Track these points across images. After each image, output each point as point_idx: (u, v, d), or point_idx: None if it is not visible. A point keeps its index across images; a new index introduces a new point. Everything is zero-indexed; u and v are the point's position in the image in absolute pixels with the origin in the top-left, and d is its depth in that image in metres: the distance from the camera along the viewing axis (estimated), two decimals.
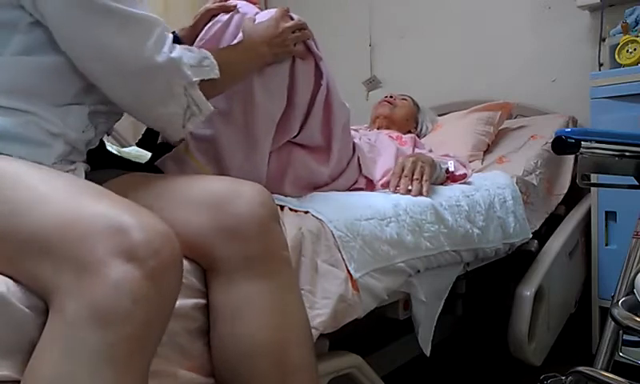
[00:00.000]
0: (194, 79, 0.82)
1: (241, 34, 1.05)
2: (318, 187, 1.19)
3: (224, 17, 1.12)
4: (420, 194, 1.20)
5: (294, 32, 1.05)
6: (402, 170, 1.24)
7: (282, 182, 1.12)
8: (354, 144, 1.28)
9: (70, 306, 0.55)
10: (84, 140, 0.82)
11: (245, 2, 1.15)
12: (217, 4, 1.14)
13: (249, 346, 0.71)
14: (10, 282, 0.59)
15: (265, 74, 1.03)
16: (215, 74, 0.86)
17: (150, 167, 1.05)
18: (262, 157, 1.04)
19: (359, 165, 1.29)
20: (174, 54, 0.79)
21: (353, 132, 1.47)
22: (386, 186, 1.24)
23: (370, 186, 1.31)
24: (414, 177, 1.22)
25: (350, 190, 1.27)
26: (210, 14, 1.14)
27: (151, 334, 0.58)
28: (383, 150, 1.47)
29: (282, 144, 1.10)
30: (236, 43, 1.03)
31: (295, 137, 1.11)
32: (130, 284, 0.56)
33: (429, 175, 1.24)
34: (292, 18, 1.07)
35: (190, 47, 0.87)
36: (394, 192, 1.21)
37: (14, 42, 0.74)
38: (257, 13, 1.11)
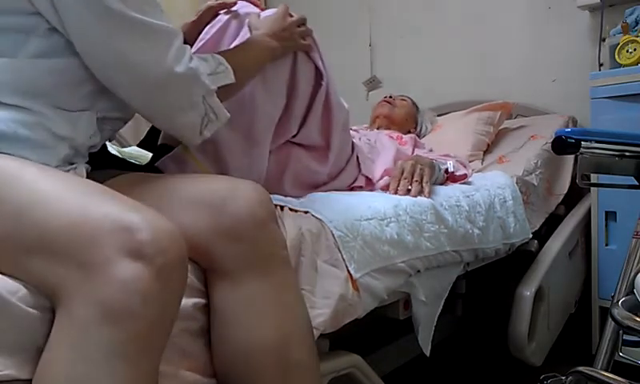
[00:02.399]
0: (212, 87, 0.83)
1: (245, 32, 1.07)
2: (317, 186, 1.19)
3: (224, 17, 1.13)
4: (420, 194, 1.20)
5: (299, 27, 1.06)
6: (402, 173, 1.25)
7: (281, 181, 1.13)
8: (352, 143, 1.29)
9: (78, 307, 0.55)
10: (89, 145, 0.82)
11: (246, 2, 1.16)
12: (218, 1, 1.14)
13: (249, 346, 0.71)
14: (11, 281, 0.59)
15: (266, 75, 1.03)
16: (230, 79, 0.87)
17: (149, 168, 1.05)
18: (261, 156, 1.05)
19: (358, 164, 1.30)
20: (192, 64, 0.80)
21: (353, 132, 1.47)
22: (385, 189, 1.24)
23: (369, 184, 1.32)
24: (414, 179, 1.23)
25: (350, 189, 1.28)
26: (212, 12, 1.15)
27: (159, 332, 0.59)
28: (382, 150, 1.47)
29: (281, 144, 1.12)
30: (245, 41, 1.03)
31: (294, 137, 1.12)
32: (139, 283, 0.56)
33: (428, 177, 1.24)
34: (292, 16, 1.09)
35: (204, 56, 0.87)
36: (395, 194, 1.21)
37: (30, 44, 0.74)
38: (259, 13, 1.12)
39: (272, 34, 1.01)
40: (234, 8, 1.14)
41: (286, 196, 1.10)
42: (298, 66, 1.08)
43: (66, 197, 0.63)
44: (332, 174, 1.22)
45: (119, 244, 0.57)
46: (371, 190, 1.30)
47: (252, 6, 1.16)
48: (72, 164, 0.81)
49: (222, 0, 1.14)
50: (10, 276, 0.60)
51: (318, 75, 1.12)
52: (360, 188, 1.30)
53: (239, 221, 0.73)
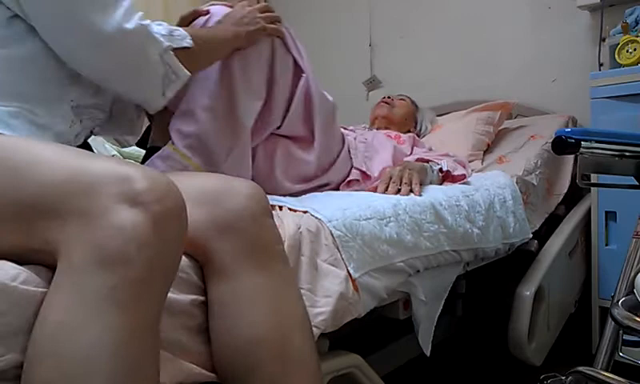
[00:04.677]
0: (167, 44, 0.85)
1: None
2: (309, 179, 1.21)
3: (200, 21, 1.14)
4: (410, 194, 1.20)
5: (263, 13, 1.09)
6: (390, 178, 1.25)
7: (272, 172, 1.16)
8: (343, 136, 1.32)
9: (75, 253, 0.56)
10: (72, 133, 0.86)
11: (219, 6, 1.17)
12: (190, 11, 1.16)
13: (248, 340, 0.71)
14: (12, 268, 0.59)
15: (245, 70, 1.07)
16: (188, 42, 0.90)
17: None
18: (246, 147, 1.08)
19: (350, 158, 1.32)
20: (145, 24, 0.83)
21: (349, 132, 1.48)
22: (373, 191, 1.25)
23: (367, 178, 1.33)
24: (403, 181, 1.23)
25: (348, 184, 1.30)
26: (186, 22, 1.15)
27: (155, 279, 0.59)
28: (380, 148, 1.49)
29: (268, 136, 1.16)
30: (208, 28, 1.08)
31: (279, 128, 1.16)
32: (134, 228, 0.57)
33: (417, 180, 1.25)
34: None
35: (158, 21, 0.90)
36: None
37: None
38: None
39: (232, 22, 1.04)
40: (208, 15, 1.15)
41: (281, 192, 1.14)
42: (276, 60, 1.11)
43: (64, 156, 0.64)
44: (323, 166, 1.24)
45: (117, 192, 0.58)
46: (368, 182, 1.31)
47: (227, 8, 1.16)
48: None
49: (194, 9, 1.15)
50: (10, 259, 0.60)
51: (298, 68, 1.14)
52: (357, 182, 1.32)
53: (234, 215, 0.74)
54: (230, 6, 1.18)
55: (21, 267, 0.60)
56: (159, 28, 0.87)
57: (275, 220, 0.83)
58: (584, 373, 0.87)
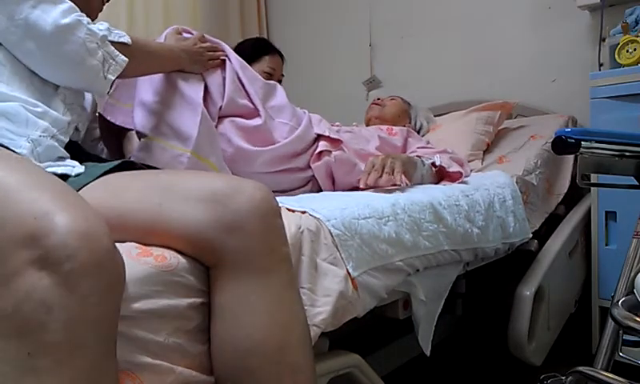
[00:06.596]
0: (104, 34, 0.96)
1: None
2: (273, 142, 1.31)
3: None
4: (392, 183, 1.20)
5: (210, 51, 1.29)
6: (372, 167, 1.24)
7: (233, 146, 1.26)
8: (300, 113, 1.44)
9: None
10: (65, 121, 0.95)
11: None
12: None
13: (247, 344, 0.71)
14: None
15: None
16: (127, 40, 1.00)
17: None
18: (206, 119, 1.21)
19: (311, 126, 1.41)
20: (79, 18, 0.93)
21: (335, 126, 1.53)
22: (358, 183, 1.24)
23: (336, 143, 1.39)
24: (385, 170, 1.22)
25: (319, 157, 1.35)
26: None
27: (78, 339, 0.55)
28: (367, 134, 1.54)
29: (218, 121, 1.30)
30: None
31: (222, 109, 1.30)
32: (42, 293, 0.54)
33: (399, 168, 1.23)
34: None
35: (101, 22, 1.00)
36: (364, 188, 1.21)
37: None
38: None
39: (182, 48, 1.22)
40: None
41: (262, 166, 1.27)
42: None
43: (11, 191, 0.61)
44: (281, 133, 1.34)
45: (26, 253, 0.55)
46: (337, 148, 1.38)
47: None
48: (64, 159, 0.89)
49: None
50: None
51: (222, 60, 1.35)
52: (328, 152, 1.35)
53: (242, 215, 0.73)
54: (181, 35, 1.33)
55: None
56: (100, 26, 0.97)
57: None
58: (584, 373, 0.87)
